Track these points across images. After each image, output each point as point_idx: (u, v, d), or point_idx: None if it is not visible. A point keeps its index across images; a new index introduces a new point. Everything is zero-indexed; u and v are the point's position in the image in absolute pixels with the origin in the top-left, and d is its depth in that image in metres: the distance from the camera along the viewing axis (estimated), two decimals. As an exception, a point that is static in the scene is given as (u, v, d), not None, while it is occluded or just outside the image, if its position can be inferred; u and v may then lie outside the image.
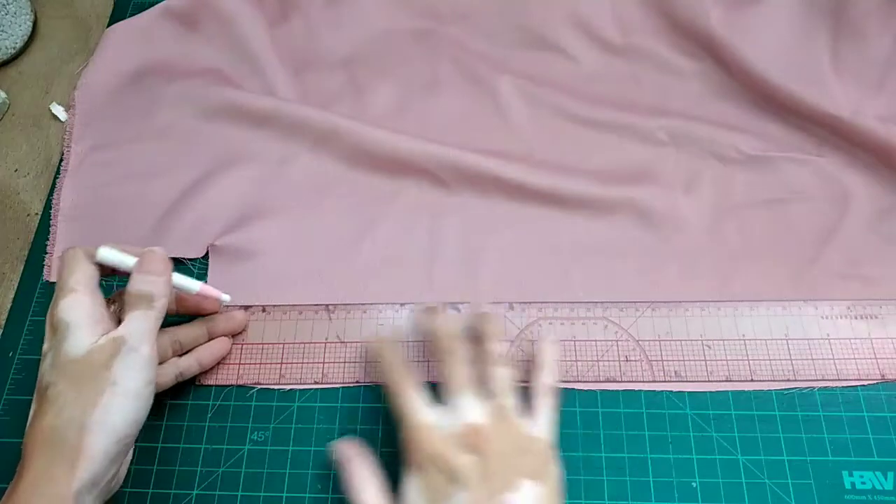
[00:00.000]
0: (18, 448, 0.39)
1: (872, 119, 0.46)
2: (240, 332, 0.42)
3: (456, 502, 0.31)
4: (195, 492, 0.38)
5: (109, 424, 0.31)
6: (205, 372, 0.41)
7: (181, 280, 0.37)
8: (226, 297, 0.39)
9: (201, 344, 0.40)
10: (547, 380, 0.36)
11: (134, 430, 0.32)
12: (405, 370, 0.36)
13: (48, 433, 0.30)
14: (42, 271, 0.45)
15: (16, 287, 0.44)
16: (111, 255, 0.35)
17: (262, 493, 0.38)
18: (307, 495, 0.38)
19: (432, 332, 0.37)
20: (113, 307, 0.36)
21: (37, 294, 0.44)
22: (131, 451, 0.35)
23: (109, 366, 0.31)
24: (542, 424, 0.34)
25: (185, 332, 0.39)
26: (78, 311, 0.32)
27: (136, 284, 0.34)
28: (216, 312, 0.41)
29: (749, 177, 0.47)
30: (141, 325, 0.33)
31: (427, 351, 0.41)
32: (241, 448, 0.39)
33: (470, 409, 0.33)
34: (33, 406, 0.32)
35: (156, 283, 0.34)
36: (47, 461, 0.30)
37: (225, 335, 0.41)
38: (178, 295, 0.39)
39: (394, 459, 0.38)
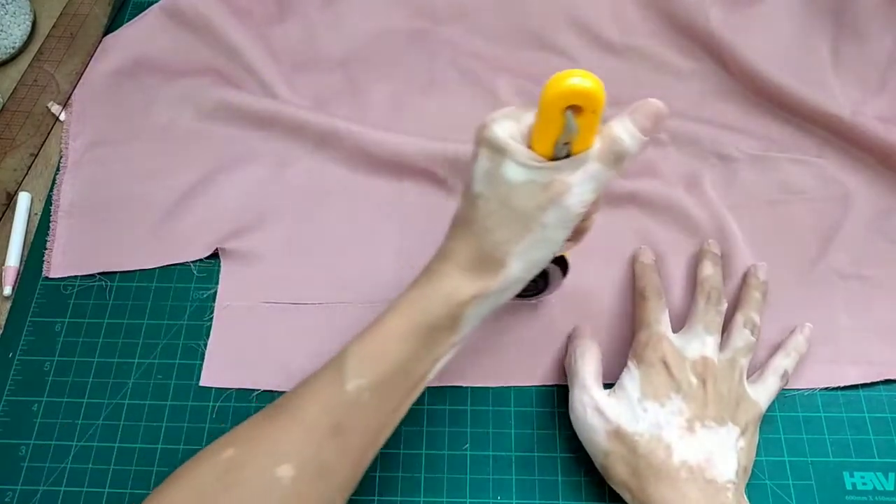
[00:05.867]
0: (19, 449, 0.39)
1: (873, 119, 0.46)
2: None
3: (672, 404, 0.35)
4: (196, 493, 0.38)
5: (529, 257, 0.30)
6: (207, 374, 0.41)
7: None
8: None
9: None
10: (783, 362, 0.39)
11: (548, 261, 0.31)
12: (661, 291, 0.40)
13: (474, 251, 0.30)
14: (42, 271, 0.44)
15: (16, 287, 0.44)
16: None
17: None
18: (308, 496, 0.38)
19: (702, 280, 0.40)
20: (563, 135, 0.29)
21: (37, 294, 0.44)
22: None
23: (545, 208, 0.29)
24: (761, 393, 0.37)
25: None
26: (516, 136, 0.29)
27: (619, 130, 0.29)
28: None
29: (750, 177, 0.47)
30: (594, 184, 0.29)
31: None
32: (242, 449, 0.39)
33: (710, 349, 0.37)
34: (462, 201, 0.31)
35: (636, 141, 0.29)
36: (461, 268, 0.30)
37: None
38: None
39: (392, 461, 0.38)
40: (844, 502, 0.37)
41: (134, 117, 0.50)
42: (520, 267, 0.30)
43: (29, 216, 0.47)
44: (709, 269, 0.41)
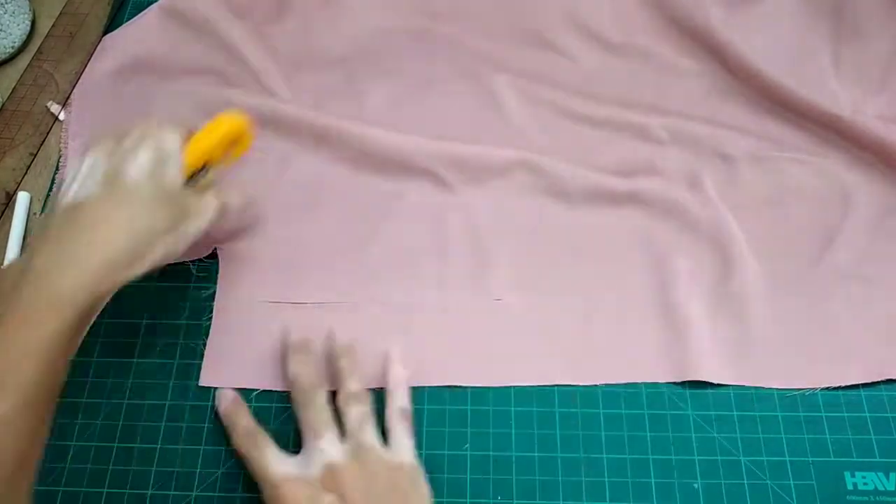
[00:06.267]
0: (17, 449, 0.39)
1: (873, 118, 0.46)
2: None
3: None
4: (194, 493, 0.38)
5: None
6: (206, 373, 0.41)
7: None
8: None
9: None
10: (399, 403, 0.37)
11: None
12: (255, 430, 0.36)
13: None
14: (40, 272, 0.44)
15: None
16: None
17: (261, 495, 0.38)
18: (307, 497, 0.38)
19: (291, 380, 0.37)
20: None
21: (35, 294, 0.44)
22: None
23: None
24: (401, 450, 0.35)
25: None
26: None
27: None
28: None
29: (751, 176, 0.46)
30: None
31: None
32: (241, 449, 0.39)
33: (330, 451, 0.34)
34: None
35: None
36: None
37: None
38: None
39: (394, 461, 0.38)
40: (846, 502, 0.37)
41: (133, 117, 0.49)
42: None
43: (28, 216, 0.47)
44: (294, 368, 0.37)
